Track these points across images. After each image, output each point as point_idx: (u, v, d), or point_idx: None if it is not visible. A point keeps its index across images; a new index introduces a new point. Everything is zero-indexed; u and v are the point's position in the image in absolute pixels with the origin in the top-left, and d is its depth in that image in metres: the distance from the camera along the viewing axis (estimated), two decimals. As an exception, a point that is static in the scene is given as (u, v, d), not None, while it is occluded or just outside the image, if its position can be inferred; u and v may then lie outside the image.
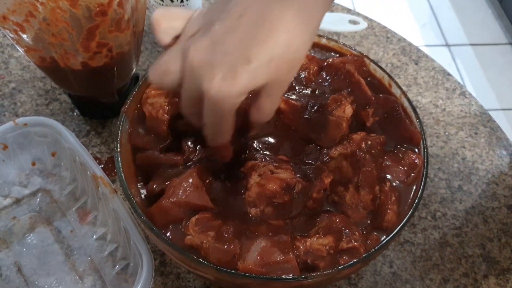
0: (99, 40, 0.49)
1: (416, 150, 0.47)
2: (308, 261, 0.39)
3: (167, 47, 0.38)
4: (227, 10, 0.34)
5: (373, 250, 0.39)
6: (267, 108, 0.37)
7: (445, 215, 0.57)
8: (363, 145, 0.44)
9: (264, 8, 0.33)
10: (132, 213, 0.46)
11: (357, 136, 0.45)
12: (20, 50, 0.52)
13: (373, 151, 0.45)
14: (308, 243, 0.40)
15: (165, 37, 0.38)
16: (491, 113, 0.67)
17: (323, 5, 0.35)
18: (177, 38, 0.37)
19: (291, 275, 0.38)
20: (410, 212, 0.41)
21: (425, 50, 0.74)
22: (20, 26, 0.48)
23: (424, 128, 0.62)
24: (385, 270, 0.52)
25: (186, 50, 0.35)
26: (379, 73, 0.51)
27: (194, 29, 0.36)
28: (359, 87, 0.48)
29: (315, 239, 0.40)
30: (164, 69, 0.37)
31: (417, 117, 0.47)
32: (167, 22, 0.37)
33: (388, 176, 0.45)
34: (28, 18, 0.47)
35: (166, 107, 0.45)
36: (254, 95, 0.37)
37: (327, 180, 0.42)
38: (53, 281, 0.50)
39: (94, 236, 0.52)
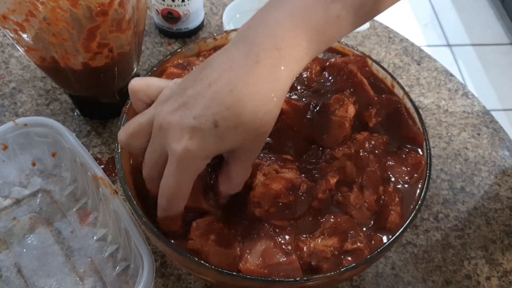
0: (100, 41, 0.49)
1: (419, 150, 0.46)
2: (312, 263, 0.39)
3: (140, 111, 0.39)
4: (199, 78, 0.36)
5: (376, 251, 0.39)
6: (236, 177, 0.38)
7: (448, 217, 0.56)
8: (367, 145, 0.44)
9: (233, 79, 0.34)
10: (132, 214, 0.46)
11: (360, 136, 0.45)
12: (20, 50, 0.51)
13: (376, 151, 0.44)
14: (312, 245, 0.39)
15: (140, 105, 0.39)
16: (492, 113, 0.66)
17: (291, 72, 0.36)
18: (151, 104, 0.39)
19: (293, 277, 0.38)
20: (413, 213, 0.41)
21: (427, 50, 0.73)
22: (20, 25, 0.47)
23: (427, 128, 0.62)
24: (387, 271, 0.52)
25: (158, 113, 0.36)
26: (381, 74, 0.51)
27: (167, 95, 0.37)
28: (361, 87, 0.48)
29: (319, 240, 0.40)
30: (134, 131, 0.38)
31: (420, 118, 0.47)
32: (143, 92, 0.39)
33: (391, 177, 0.44)
34: (28, 17, 0.46)
35: None
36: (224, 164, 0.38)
37: (333, 181, 0.41)
38: (53, 282, 0.50)
39: (95, 237, 0.52)
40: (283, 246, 0.39)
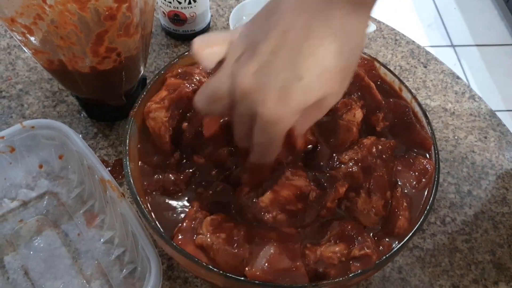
0: (108, 45, 0.49)
1: (427, 155, 0.46)
2: (319, 269, 0.39)
3: (211, 72, 0.38)
4: (269, 28, 0.33)
5: (385, 257, 0.39)
6: (313, 120, 0.37)
7: (455, 220, 0.56)
8: (374, 150, 0.44)
9: (307, 20, 0.32)
10: (140, 217, 0.46)
11: (367, 141, 0.45)
12: (28, 52, 0.51)
13: (384, 156, 0.44)
14: (318, 252, 0.39)
15: (209, 64, 0.37)
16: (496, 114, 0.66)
17: (368, 5, 0.34)
18: (220, 62, 0.37)
19: (300, 283, 0.38)
20: (422, 219, 0.41)
21: (431, 50, 0.73)
22: (28, 28, 0.47)
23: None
24: (394, 275, 0.52)
25: (234, 74, 0.34)
26: (389, 77, 0.51)
27: (238, 52, 0.35)
28: (369, 91, 0.48)
29: (326, 247, 0.39)
30: (212, 96, 0.36)
31: (428, 122, 0.46)
32: (208, 49, 0.37)
33: (399, 182, 0.44)
34: (36, 20, 0.46)
35: (167, 123, 0.45)
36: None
37: (342, 190, 0.41)
38: (60, 285, 0.50)
39: (102, 240, 0.52)
40: (290, 253, 0.39)
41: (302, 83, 0.32)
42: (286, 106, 0.33)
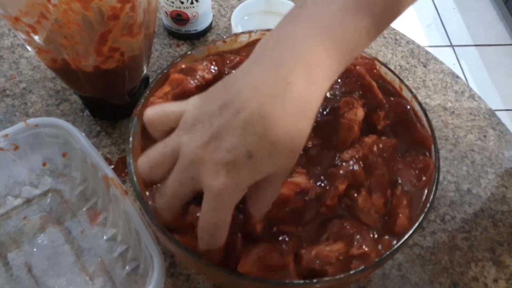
0: (111, 45, 0.49)
1: (427, 153, 0.47)
2: (315, 266, 0.39)
3: (159, 139, 0.38)
4: (225, 104, 0.34)
5: (383, 256, 0.39)
6: (268, 200, 0.37)
7: (454, 219, 0.57)
8: (375, 149, 0.44)
9: (263, 104, 0.33)
10: (143, 214, 0.47)
11: (368, 140, 0.45)
12: (31, 51, 0.52)
13: (384, 155, 0.45)
14: (314, 251, 0.39)
15: (159, 135, 0.38)
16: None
17: (322, 90, 0.35)
18: (170, 131, 0.37)
19: (302, 280, 0.38)
20: (421, 217, 0.41)
21: (430, 51, 0.74)
22: (32, 27, 0.48)
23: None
24: (394, 273, 0.52)
25: (185, 144, 0.35)
26: (389, 76, 0.51)
27: (191, 123, 0.35)
28: (370, 90, 0.48)
29: (324, 245, 0.40)
30: (157, 161, 0.37)
31: (429, 121, 0.47)
32: (160, 121, 0.38)
33: (400, 180, 0.45)
34: (40, 19, 0.47)
35: None
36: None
37: (342, 187, 0.41)
38: (63, 282, 0.50)
39: (105, 237, 0.52)
40: (281, 249, 0.39)
41: (251, 161, 0.33)
42: (235, 182, 0.33)
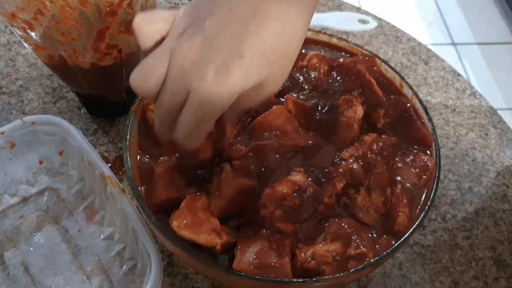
0: (109, 42, 0.48)
1: (428, 152, 0.46)
2: (311, 266, 0.39)
3: (149, 51, 0.36)
4: (216, 4, 0.32)
5: (382, 256, 0.38)
6: (246, 105, 0.35)
7: (455, 217, 0.56)
8: (375, 147, 0.44)
9: (254, 1, 0.32)
10: (140, 213, 0.46)
11: (368, 138, 0.45)
12: (28, 48, 0.51)
13: (384, 153, 0.44)
14: (310, 251, 0.39)
15: (147, 41, 0.35)
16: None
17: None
18: (160, 41, 0.35)
19: (301, 279, 0.38)
20: (421, 216, 0.41)
21: (432, 49, 0.73)
22: (29, 24, 0.47)
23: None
24: (395, 272, 0.52)
25: (175, 50, 0.33)
26: (390, 74, 0.51)
27: (181, 28, 0.34)
28: (370, 88, 0.48)
29: (321, 245, 0.39)
30: (148, 72, 0.34)
31: (429, 119, 0.46)
32: (149, 26, 0.35)
33: (400, 178, 0.44)
34: (37, 16, 0.46)
35: None
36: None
37: (340, 186, 0.41)
38: (61, 281, 0.50)
39: (102, 236, 0.52)
40: (278, 248, 0.39)
41: (243, 61, 0.31)
42: (224, 85, 0.32)
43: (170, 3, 0.66)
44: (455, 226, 0.55)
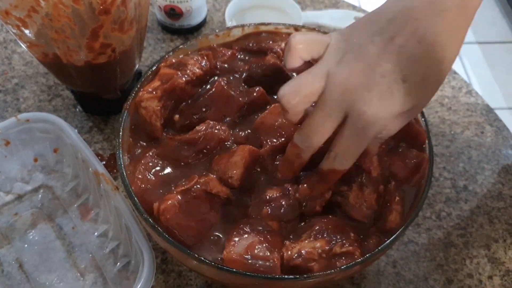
0: (102, 41, 0.49)
1: (421, 148, 0.46)
2: (299, 263, 0.39)
3: (292, 69, 0.38)
4: (377, 32, 0.35)
5: (369, 254, 0.38)
6: (395, 130, 0.38)
7: (450, 215, 0.56)
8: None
9: (420, 30, 0.34)
10: (133, 210, 0.46)
11: None
12: (23, 45, 0.51)
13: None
14: (296, 248, 0.39)
15: (297, 60, 0.38)
16: (497, 111, 0.66)
17: (470, 19, 0.36)
18: (308, 63, 0.37)
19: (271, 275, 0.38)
20: (414, 213, 0.41)
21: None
22: (23, 21, 0.47)
23: (430, 126, 0.61)
24: (389, 270, 0.52)
25: (335, 73, 0.35)
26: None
27: (337, 53, 0.36)
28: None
29: (306, 241, 0.39)
30: (306, 91, 0.36)
31: (423, 115, 0.46)
32: (305, 46, 0.37)
33: (393, 176, 0.44)
34: (30, 13, 0.46)
35: (159, 112, 0.45)
36: None
37: (328, 194, 0.41)
38: (54, 278, 0.50)
39: (96, 233, 0.52)
40: (270, 244, 0.39)
41: (405, 85, 0.34)
42: (387, 107, 0.34)
43: (166, 1, 0.66)
44: (450, 224, 0.55)
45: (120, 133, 0.45)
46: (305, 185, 0.41)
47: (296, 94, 0.36)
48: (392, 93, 0.34)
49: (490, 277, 0.52)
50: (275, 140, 0.44)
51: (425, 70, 0.34)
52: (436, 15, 0.34)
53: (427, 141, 0.45)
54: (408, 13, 0.34)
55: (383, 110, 0.34)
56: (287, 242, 0.40)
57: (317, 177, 0.40)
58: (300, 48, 0.37)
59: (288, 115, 0.38)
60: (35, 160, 0.56)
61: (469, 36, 1.92)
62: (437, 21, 0.34)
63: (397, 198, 0.43)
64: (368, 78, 0.34)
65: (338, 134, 0.37)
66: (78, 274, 0.50)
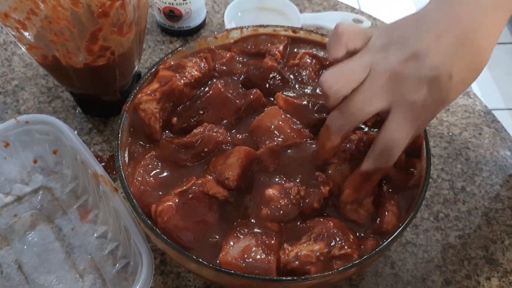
0: (101, 44, 0.49)
1: (419, 150, 0.46)
2: (296, 266, 0.39)
3: (335, 59, 0.39)
4: (423, 29, 0.37)
5: (366, 256, 0.39)
6: (421, 128, 0.40)
7: (448, 216, 0.56)
8: (362, 145, 0.44)
9: (465, 32, 0.36)
10: (132, 212, 0.46)
11: (355, 136, 0.45)
12: (22, 47, 0.52)
13: None
14: (294, 251, 0.39)
15: (342, 49, 0.39)
16: (496, 112, 0.66)
17: (506, 21, 0.38)
18: (349, 53, 0.39)
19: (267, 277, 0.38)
20: (412, 214, 0.41)
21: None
22: (22, 23, 0.47)
23: (428, 128, 0.62)
24: (387, 271, 0.52)
25: (380, 62, 0.37)
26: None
27: (384, 45, 0.37)
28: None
29: (305, 245, 0.39)
30: (349, 78, 0.38)
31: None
32: (350, 37, 0.38)
33: (389, 178, 0.44)
34: (29, 15, 0.47)
35: (157, 114, 0.45)
36: None
37: (326, 189, 0.41)
38: (54, 279, 0.50)
39: (95, 235, 0.52)
40: (266, 247, 0.39)
41: (451, 82, 0.36)
42: (434, 99, 0.36)
43: (165, 3, 0.66)
44: (448, 225, 0.55)
45: (119, 135, 0.45)
46: (346, 190, 0.42)
47: (337, 79, 0.38)
48: (439, 87, 0.36)
49: (488, 278, 0.52)
50: (272, 142, 0.44)
51: (466, 71, 0.36)
52: (479, 18, 0.36)
53: (424, 143, 0.45)
54: (451, 16, 0.36)
55: (431, 101, 0.36)
56: (286, 245, 0.40)
57: (360, 179, 0.41)
58: (345, 39, 0.38)
59: (329, 100, 0.39)
60: (35, 161, 0.56)
61: (469, 37, 1.92)
62: (481, 24, 0.36)
63: (393, 200, 0.43)
64: (417, 69, 0.36)
65: (382, 129, 0.38)
66: (77, 275, 0.50)
